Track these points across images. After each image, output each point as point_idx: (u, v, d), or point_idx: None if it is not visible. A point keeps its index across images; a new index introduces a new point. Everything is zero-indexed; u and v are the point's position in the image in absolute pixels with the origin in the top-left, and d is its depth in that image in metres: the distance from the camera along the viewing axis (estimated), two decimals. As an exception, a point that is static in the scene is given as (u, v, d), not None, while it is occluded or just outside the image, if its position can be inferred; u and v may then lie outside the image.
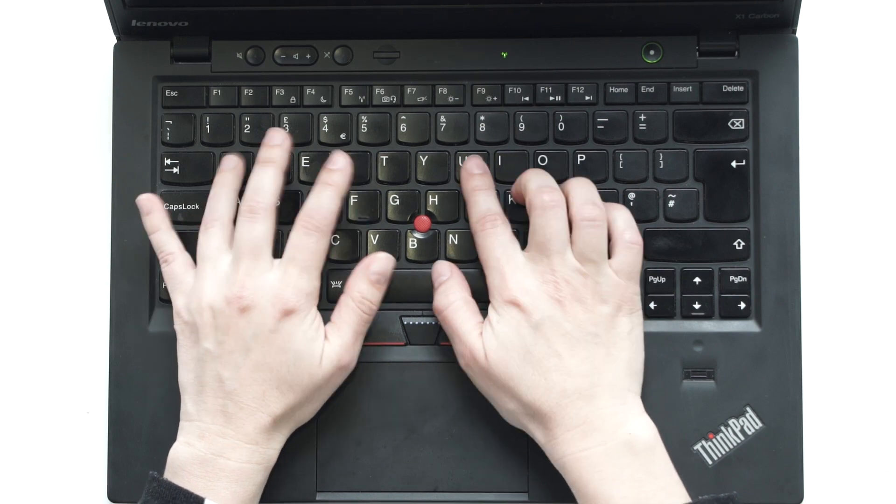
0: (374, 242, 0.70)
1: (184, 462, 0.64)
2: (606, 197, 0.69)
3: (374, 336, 0.69)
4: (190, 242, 0.69)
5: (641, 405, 0.65)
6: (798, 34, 0.71)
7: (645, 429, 0.63)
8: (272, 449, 0.65)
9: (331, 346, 0.65)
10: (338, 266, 0.70)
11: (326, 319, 0.66)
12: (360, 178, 0.71)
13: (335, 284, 0.70)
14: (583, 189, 0.66)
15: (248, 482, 0.64)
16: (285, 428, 0.66)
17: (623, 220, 0.67)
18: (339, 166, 0.66)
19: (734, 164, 0.70)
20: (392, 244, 0.70)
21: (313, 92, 0.71)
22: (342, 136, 0.71)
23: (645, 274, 0.70)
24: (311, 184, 0.68)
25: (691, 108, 0.71)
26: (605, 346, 0.64)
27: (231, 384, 0.63)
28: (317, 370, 0.65)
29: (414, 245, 0.70)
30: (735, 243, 0.70)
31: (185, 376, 0.65)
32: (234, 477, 0.63)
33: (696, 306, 0.70)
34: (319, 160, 0.70)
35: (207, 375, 0.64)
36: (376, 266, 0.67)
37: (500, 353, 0.64)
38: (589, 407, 0.63)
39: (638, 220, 0.69)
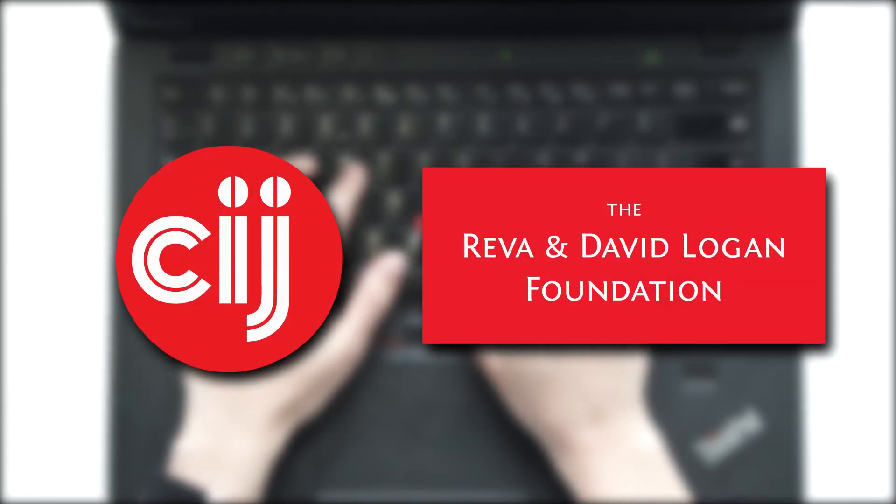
0: (375, 242, 0.70)
1: (189, 452, 0.64)
2: (606, 197, 0.70)
3: (374, 336, 0.69)
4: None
5: (644, 412, 0.65)
6: (800, 33, 0.71)
7: (650, 439, 0.64)
8: (276, 442, 0.66)
9: (340, 334, 0.66)
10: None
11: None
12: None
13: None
14: None
15: (251, 473, 0.64)
16: (290, 421, 0.66)
17: None
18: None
19: (735, 164, 0.70)
20: (392, 244, 0.70)
21: (313, 92, 0.71)
22: (342, 136, 0.71)
23: (645, 274, 0.70)
24: (311, 184, 0.70)
25: (692, 108, 0.71)
26: (621, 360, 0.64)
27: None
28: (325, 361, 0.65)
29: (414, 245, 0.70)
30: (735, 243, 0.70)
31: None
32: (238, 468, 0.64)
33: (697, 306, 0.70)
34: (319, 160, 0.70)
35: None
36: (390, 265, 0.69)
37: (516, 370, 0.65)
38: (600, 423, 0.63)
39: (638, 221, 0.69)
